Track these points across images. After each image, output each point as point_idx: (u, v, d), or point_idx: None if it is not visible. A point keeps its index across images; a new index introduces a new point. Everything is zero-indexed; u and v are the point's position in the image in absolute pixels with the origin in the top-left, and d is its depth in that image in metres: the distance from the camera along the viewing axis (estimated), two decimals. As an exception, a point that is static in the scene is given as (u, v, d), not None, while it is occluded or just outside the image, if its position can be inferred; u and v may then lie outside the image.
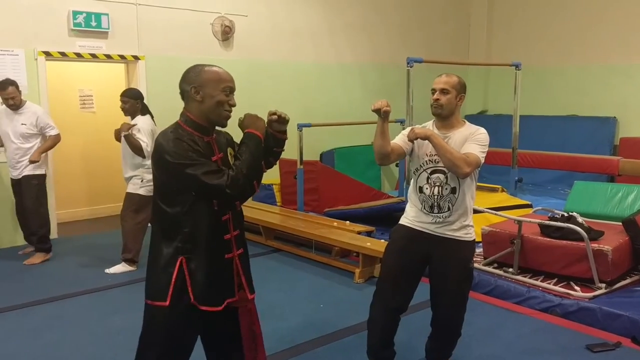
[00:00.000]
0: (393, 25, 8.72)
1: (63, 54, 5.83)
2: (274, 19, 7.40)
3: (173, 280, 2.01)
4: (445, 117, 2.75)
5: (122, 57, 6.19)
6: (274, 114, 2.22)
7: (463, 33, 9.88)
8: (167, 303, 2.01)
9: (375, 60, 8.52)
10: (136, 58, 6.26)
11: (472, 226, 2.80)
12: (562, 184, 8.03)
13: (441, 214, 2.73)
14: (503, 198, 5.99)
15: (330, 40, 8.03)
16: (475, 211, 4.68)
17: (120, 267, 4.75)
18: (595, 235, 3.94)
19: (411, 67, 5.45)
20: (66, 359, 3.25)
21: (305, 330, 3.57)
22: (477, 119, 9.82)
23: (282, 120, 2.23)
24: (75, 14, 5.79)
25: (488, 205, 4.97)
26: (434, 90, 2.75)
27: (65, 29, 5.81)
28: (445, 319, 2.90)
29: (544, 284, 3.95)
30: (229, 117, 2.09)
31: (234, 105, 2.08)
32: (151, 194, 4.50)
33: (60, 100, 6.50)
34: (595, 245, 3.79)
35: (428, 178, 2.74)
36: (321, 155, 7.81)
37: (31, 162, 4.92)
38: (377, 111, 2.62)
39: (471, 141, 2.69)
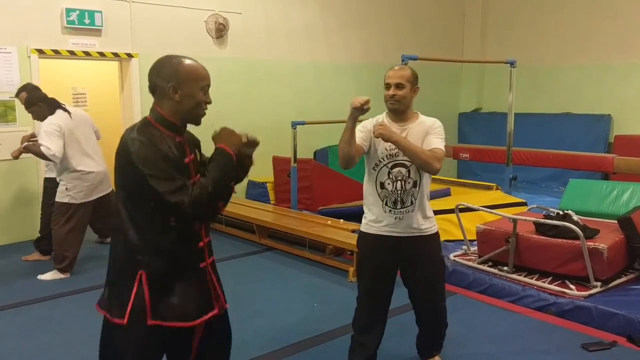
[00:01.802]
0: (387, 24, 8.70)
1: (56, 51, 5.77)
2: (269, 17, 7.37)
3: (132, 297, 1.83)
4: (401, 111, 2.70)
5: (115, 54, 6.14)
6: (244, 135, 2.00)
7: (457, 31, 9.88)
8: (125, 321, 1.85)
9: (369, 59, 8.50)
10: (129, 56, 6.22)
11: (433, 217, 2.81)
12: (556, 181, 8.05)
13: (404, 209, 2.68)
14: (497, 196, 5.99)
15: (325, 39, 8.01)
16: (470, 209, 4.72)
17: (52, 275, 4.58)
18: (590, 233, 3.93)
19: (406, 64, 5.42)
20: (58, 359, 3.22)
21: (299, 329, 3.55)
22: (471, 116, 9.85)
23: (252, 144, 2.01)
24: (69, 11, 5.74)
25: (482, 203, 4.96)
26: (388, 85, 2.67)
27: (58, 27, 5.75)
28: (429, 313, 2.92)
29: (539, 283, 3.93)
30: (204, 115, 1.96)
31: (210, 103, 1.95)
32: (77, 201, 4.48)
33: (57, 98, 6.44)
34: (590, 243, 3.78)
35: (389, 173, 2.69)
36: (315, 153, 7.79)
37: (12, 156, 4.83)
38: (359, 108, 2.47)
39: (433, 135, 2.66)
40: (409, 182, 2.68)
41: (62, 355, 3.27)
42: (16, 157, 4.79)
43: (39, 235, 5.12)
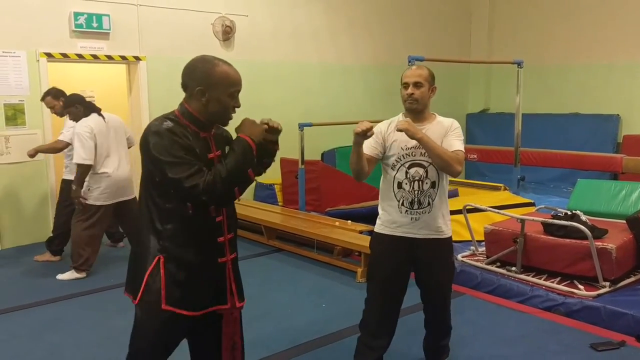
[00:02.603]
0: (394, 25, 8.71)
1: (64, 55, 5.83)
2: (275, 19, 7.39)
3: (145, 278, 1.90)
4: (419, 111, 2.67)
5: (123, 57, 6.19)
6: (266, 123, 2.04)
7: (465, 31, 9.87)
8: (137, 301, 1.93)
9: (376, 60, 8.51)
10: (137, 59, 6.26)
11: (449, 220, 2.78)
12: (565, 182, 8.01)
13: (421, 209, 2.65)
14: (505, 196, 5.97)
15: (332, 40, 8.02)
16: (478, 209, 4.71)
17: (70, 274, 4.64)
18: (599, 233, 3.91)
19: (413, 64, 5.42)
20: (69, 359, 3.25)
21: (308, 330, 3.56)
22: (479, 117, 9.83)
23: (274, 130, 2.04)
24: (77, 15, 5.79)
25: (490, 204, 4.96)
26: (406, 85, 2.64)
27: (66, 30, 5.81)
28: (438, 316, 2.90)
29: (547, 283, 3.92)
30: (231, 119, 1.99)
31: (238, 107, 1.98)
32: (98, 202, 4.56)
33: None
34: (599, 243, 3.77)
35: (407, 172, 2.66)
36: (322, 154, 7.80)
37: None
38: (362, 135, 2.44)
39: (452, 137, 2.64)
40: (426, 183, 2.65)
41: (73, 356, 3.30)
42: (32, 156, 5.00)
43: (51, 235, 5.17)
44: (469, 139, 9.72)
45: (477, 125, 9.77)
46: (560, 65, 8.84)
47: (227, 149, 2.02)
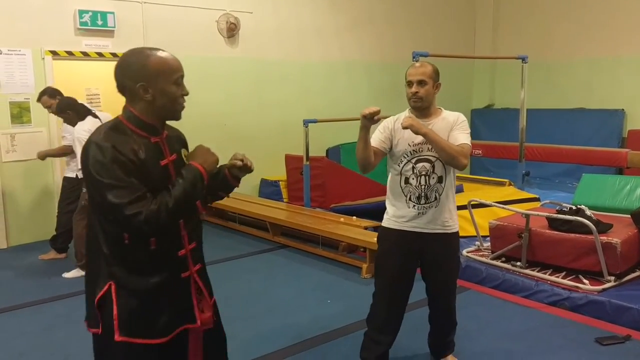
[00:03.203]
0: (399, 21, 8.70)
1: (70, 53, 5.86)
2: (280, 16, 7.40)
3: (97, 307, 1.72)
4: (425, 108, 2.68)
5: (128, 55, 6.20)
6: (241, 159, 1.91)
7: (469, 27, 9.85)
8: (100, 331, 1.74)
9: (381, 56, 8.51)
10: (142, 56, 6.28)
11: (456, 215, 2.79)
12: (570, 177, 7.99)
13: (428, 204, 2.67)
14: (510, 192, 5.97)
15: (337, 37, 8.03)
16: (483, 205, 4.71)
17: (75, 273, 4.68)
18: (603, 228, 3.91)
19: (417, 61, 5.42)
20: (76, 356, 3.27)
21: (313, 326, 3.58)
22: (484, 113, 9.81)
23: (246, 169, 1.92)
24: (82, 12, 5.82)
25: (495, 199, 4.96)
26: (410, 83, 2.65)
27: (71, 28, 5.84)
28: (444, 311, 2.91)
29: (553, 278, 3.93)
30: (183, 108, 1.80)
31: (186, 95, 1.78)
32: None
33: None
34: (604, 238, 3.76)
35: (413, 168, 2.67)
36: (327, 151, 7.81)
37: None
38: (369, 118, 2.46)
39: (458, 130, 2.65)
40: (433, 178, 2.66)
41: (80, 352, 3.31)
42: (42, 158, 5.08)
43: (54, 233, 5.21)
44: (474, 134, 9.60)
45: (481, 121, 9.75)
46: (565, 60, 8.81)
47: (182, 152, 1.86)
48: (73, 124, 4.58)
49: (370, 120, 2.47)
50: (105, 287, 1.71)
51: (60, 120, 5.25)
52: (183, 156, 1.85)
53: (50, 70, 5.75)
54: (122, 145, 1.65)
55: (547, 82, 8.87)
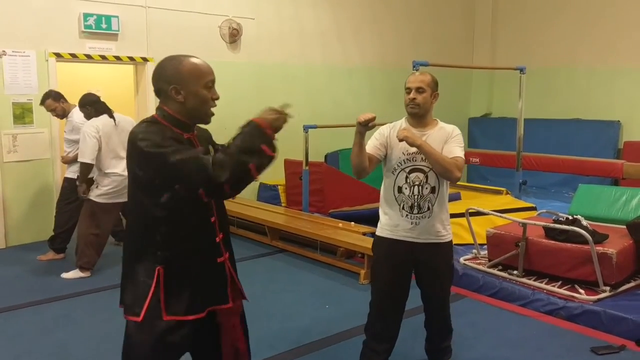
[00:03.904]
0: (399, 29, 8.78)
1: (73, 55, 5.89)
2: (281, 22, 7.46)
3: (150, 294, 1.83)
4: (421, 116, 2.73)
5: (131, 58, 6.25)
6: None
7: (468, 35, 9.93)
8: (140, 319, 1.84)
9: (382, 63, 8.57)
10: (145, 60, 6.33)
11: (450, 225, 2.83)
12: (566, 187, 8.06)
13: (421, 214, 2.70)
14: (507, 200, 6.02)
15: (338, 43, 8.09)
16: (481, 213, 4.76)
17: (74, 273, 4.70)
18: (599, 238, 3.96)
19: (417, 70, 5.49)
20: (76, 357, 3.30)
21: (311, 331, 3.61)
22: (481, 121, 9.88)
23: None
24: (86, 16, 5.85)
25: (492, 208, 5.00)
26: (409, 90, 2.71)
27: (76, 31, 5.87)
28: (439, 317, 2.96)
29: (549, 287, 3.97)
30: (213, 114, 1.92)
31: (217, 99, 1.91)
32: (103, 201, 4.59)
33: (69, 100, 6.57)
34: (599, 248, 3.81)
35: (407, 177, 2.71)
36: (326, 156, 7.85)
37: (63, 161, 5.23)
38: (364, 124, 2.51)
39: (453, 143, 2.70)
40: (426, 188, 2.70)
41: (80, 353, 3.34)
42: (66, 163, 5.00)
43: (53, 233, 5.22)
44: (471, 143, 9.78)
45: (479, 130, 9.82)
46: (562, 71, 8.89)
47: (210, 147, 2.00)
48: (88, 119, 4.65)
49: (365, 126, 2.53)
50: (156, 273, 1.85)
51: (63, 122, 5.30)
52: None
53: (53, 71, 5.77)
54: (164, 131, 1.81)
55: (545, 92, 8.95)
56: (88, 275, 4.70)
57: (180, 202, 1.81)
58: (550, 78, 8.93)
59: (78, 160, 4.61)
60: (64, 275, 4.71)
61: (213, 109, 1.92)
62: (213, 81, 1.90)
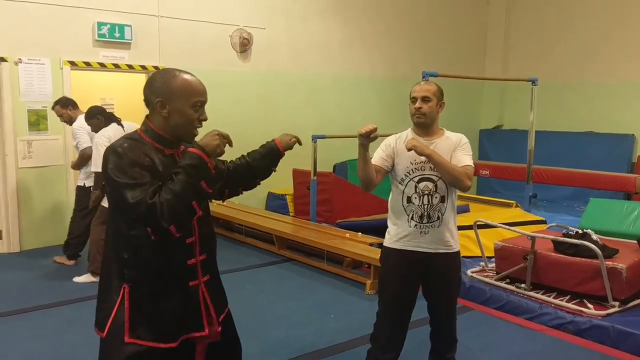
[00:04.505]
0: (409, 40, 8.81)
1: (87, 63, 5.98)
2: (292, 32, 7.52)
3: (114, 311, 1.79)
4: (427, 125, 2.72)
5: (143, 67, 6.33)
6: (295, 137, 2.21)
7: (480, 46, 9.93)
8: (104, 335, 1.82)
9: (391, 74, 8.60)
10: (157, 68, 6.40)
11: (457, 235, 2.82)
12: (577, 200, 7.99)
13: (430, 224, 2.69)
14: (517, 213, 5.98)
15: (347, 54, 8.14)
16: (489, 226, 4.73)
17: (86, 278, 4.76)
18: (609, 253, 3.92)
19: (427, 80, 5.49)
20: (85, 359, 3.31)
21: (317, 339, 3.60)
22: (492, 133, 9.84)
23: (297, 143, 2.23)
24: (100, 25, 5.95)
25: (501, 220, 4.97)
26: (414, 99, 2.70)
27: (90, 40, 5.97)
28: (445, 329, 2.92)
29: (557, 301, 3.93)
30: (196, 134, 1.87)
31: (204, 120, 1.85)
32: None
33: (83, 108, 6.66)
34: (609, 263, 3.77)
35: (416, 187, 2.70)
36: (334, 166, 7.87)
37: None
38: (365, 136, 2.48)
39: (461, 151, 2.68)
40: (436, 197, 2.68)
41: (91, 356, 3.33)
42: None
43: (66, 240, 5.28)
44: (481, 154, 9.74)
45: (490, 142, 9.79)
46: (576, 83, 8.84)
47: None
48: (98, 130, 4.69)
49: (367, 138, 2.50)
50: (121, 291, 1.80)
51: (70, 129, 5.36)
52: None
53: (68, 79, 5.87)
54: (138, 152, 1.75)
55: (557, 105, 8.91)
56: (98, 279, 4.71)
57: (133, 219, 1.75)
58: (563, 90, 8.89)
59: (92, 170, 4.64)
60: (76, 279, 4.77)
61: (198, 130, 1.86)
62: (203, 102, 1.84)
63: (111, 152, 1.74)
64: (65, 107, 5.13)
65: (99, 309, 1.88)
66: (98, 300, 1.90)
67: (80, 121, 4.98)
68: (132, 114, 6.30)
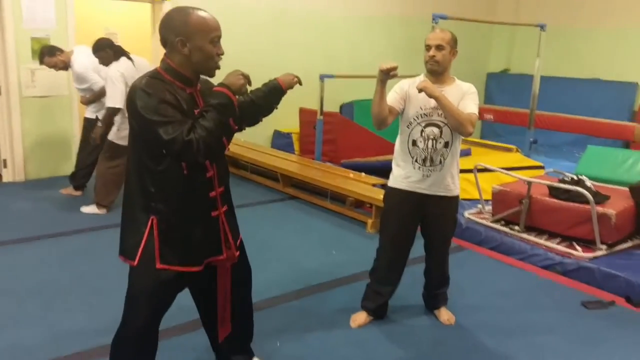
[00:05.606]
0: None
1: (92, -9, 5.87)
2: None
3: (143, 241, 1.92)
4: (440, 73, 2.80)
5: (149, -4, 6.22)
6: (296, 77, 2.28)
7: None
8: (135, 263, 1.95)
9: (401, 13, 8.44)
10: None
11: (458, 179, 2.96)
12: (577, 147, 8.06)
13: (433, 167, 2.83)
14: (517, 158, 6.08)
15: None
16: (488, 170, 4.85)
17: (92, 208, 4.86)
18: (601, 199, 4.05)
19: (436, 23, 5.46)
20: (95, 287, 3.46)
21: (318, 274, 3.79)
22: (499, 77, 9.78)
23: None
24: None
25: (501, 165, 5.08)
26: (428, 47, 2.77)
27: (94, -33, 5.84)
28: (438, 265, 3.14)
29: (547, 243, 4.11)
30: (218, 68, 1.95)
31: (222, 54, 1.94)
32: (123, 142, 4.63)
33: (86, 38, 6.61)
34: (600, 208, 3.91)
35: (422, 131, 2.81)
36: (341, 106, 7.89)
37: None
38: (385, 73, 2.56)
39: (469, 99, 2.77)
40: (440, 142, 2.81)
41: (99, 283, 3.50)
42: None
43: (74, 170, 5.38)
44: (487, 99, 9.71)
45: (496, 85, 9.74)
46: (587, 30, 8.69)
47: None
48: (107, 64, 4.65)
49: (387, 74, 2.58)
50: (149, 222, 1.93)
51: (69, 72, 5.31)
52: None
53: (71, 7, 5.73)
54: (164, 91, 1.82)
55: (567, 50, 8.79)
56: (104, 212, 4.87)
57: (169, 155, 1.85)
58: (574, 36, 8.74)
59: (107, 105, 4.59)
60: (83, 208, 4.89)
61: (219, 65, 1.95)
62: (219, 37, 1.91)
63: (139, 90, 1.81)
64: (53, 54, 4.97)
65: (125, 239, 2.01)
66: (123, 231, 2.03)
67: (80, 61, 4.91)
68: (137, 45, 6.27)
